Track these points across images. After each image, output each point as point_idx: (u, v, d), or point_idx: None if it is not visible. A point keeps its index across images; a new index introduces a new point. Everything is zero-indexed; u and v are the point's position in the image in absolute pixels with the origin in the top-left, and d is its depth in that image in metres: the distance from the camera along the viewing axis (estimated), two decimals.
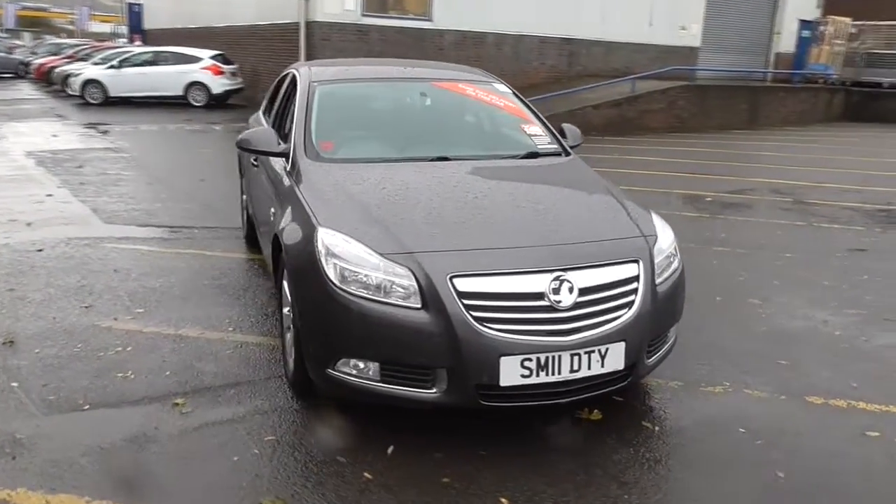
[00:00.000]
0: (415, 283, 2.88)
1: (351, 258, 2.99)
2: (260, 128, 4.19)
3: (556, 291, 2.88)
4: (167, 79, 17.68)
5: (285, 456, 3.01)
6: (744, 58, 22.78)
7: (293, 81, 4.76)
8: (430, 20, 17.24)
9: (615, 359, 2.98)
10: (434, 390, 2.92)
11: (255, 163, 4.72)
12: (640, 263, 3.13)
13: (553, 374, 2.88)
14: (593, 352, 2.92)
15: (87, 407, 3.37)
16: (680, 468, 2.98)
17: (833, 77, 20.57)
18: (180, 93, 17.74)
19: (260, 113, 5.84)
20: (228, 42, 20.34)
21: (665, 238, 3.35)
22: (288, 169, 3.89)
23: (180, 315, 4.50)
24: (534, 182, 3.80)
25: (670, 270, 3.28)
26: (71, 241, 6.07)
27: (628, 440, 3.17)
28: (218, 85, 17.76)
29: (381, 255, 2.96)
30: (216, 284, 5.08)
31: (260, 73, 18.94)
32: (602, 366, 2.96)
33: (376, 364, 2.96)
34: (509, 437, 3.18)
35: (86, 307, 4.59)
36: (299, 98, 4.25)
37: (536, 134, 4.36)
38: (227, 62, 18.25)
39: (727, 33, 22.34)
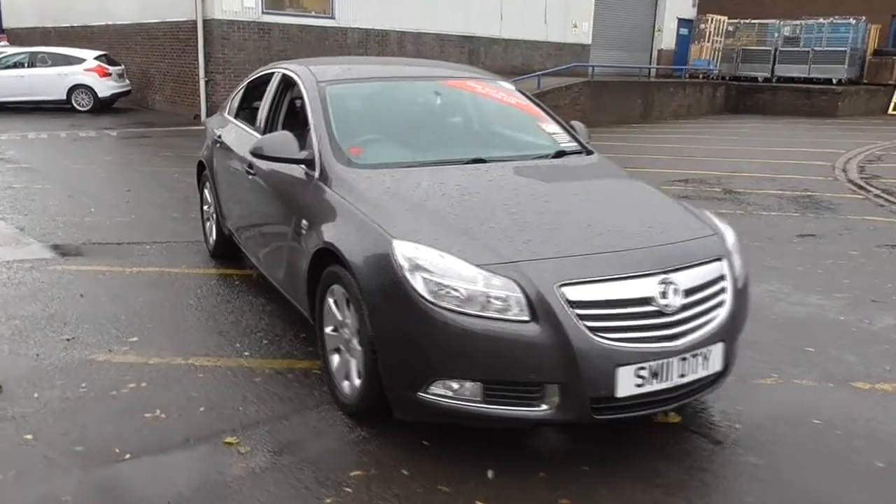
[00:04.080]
0: (521, 295, 2.70)
1: (443, 271, 2.77)
2: (275, 133, 3.82)
3: (664, 295, 2.79)
4: (47, 82, 16.21)
5: (382, 490, 2.74)
6: (630, 54, 23.82)
7: (285, 81, 4.42)
8: (332, 18, 16.81)
9: (715, 360, 2.93)
10: (543, 407, 2.75)
11: (250, 171, 4.33)
12: (725, 261, 3.10)
13: (665, 380, 2.79)
14: (698, 355, 2.85)
15: (127, 456, 2.94)
16: (784, 466, 2.97)
17: (715, 72, 21.87)
18: (62, 97, 16.32)
19: (227, 116, 5.40)
20: (109, 42, 18.96)
21: (730, 235, 3.35)
22: (316, 177, 3.58)
23: (182, 342, 4.06)
24: (586, 182, 3.69)
25: (739, 266, 3.28)
26: (11, 264, 5.38)
27: (719, 441, 3.13)
28: (105, 88, 16.48)
29: (478, 266, 2.76)
30: (204, 305, 4.64)
31: (151, 75, 17.81)
32: (705, 368, 2.90)
33: (478, 384, 2.75)
34: (603, 448, 3.06)
35: (68, 340, 4.05)
36: (310, 100, 3.93)
37: (556, 132, 4.26)
38: (112, 63, 16.97)
39: (614, 31, 23.28)
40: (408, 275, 2.80)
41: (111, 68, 16.74)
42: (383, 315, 2.88)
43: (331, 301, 3.33)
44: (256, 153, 3.74)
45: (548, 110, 4.47)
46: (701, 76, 22.04)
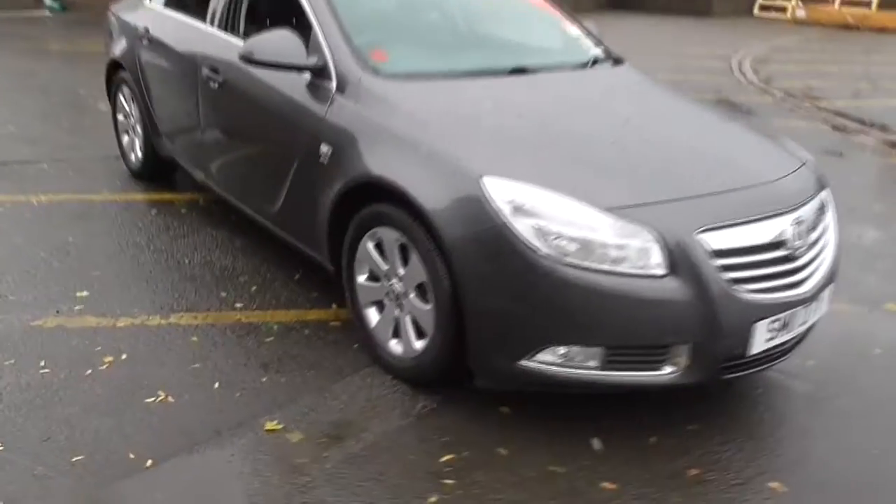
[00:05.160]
0: (656, 245, 2.24)
1: (556, 216, 2.25)
2: (272, 33, 2.98)
3: (795, 236, 2.44)
4: None
5: (489, 478, 2.27)
6: None
7: None
8: None
9: (824, 304, 2.65)
10: (668, 370, 2.35)
11: (213, 77, 3.48)
12: (827, 191, 2.80)
13: (790, 331, 2.48)
14: (815, 300, 2.56)
15: (149, 462, 2.28)
16: (882, 409, 2.80)
17: None
18: None
19: (151, 4, 4.36)
20: None
21: (813, 161, 3.04)
22: (333, 89, 2.87)
23: (149, 295, 3.30)
24: (658, 102, 3.21)
25: None
26: None
27: (803, 382, 2.91)
28: None
29: (604, 209, 2.26)
30: (157, 244, 3.82)
31: None
32: (816, 312, 2.62)
33: (598, 349, 2.32)
34: (691, 401, 2.73)
35: None
36: None
37: (580, 36, 3.71)
38: None
39: None
40: (510, 221, 2.26)
41: None
42: (477, 271, 2.34)
43: (370, 246, 2.73)
44: (247, 58, 2.94)
45: (560, 7, 3.90)
46: None
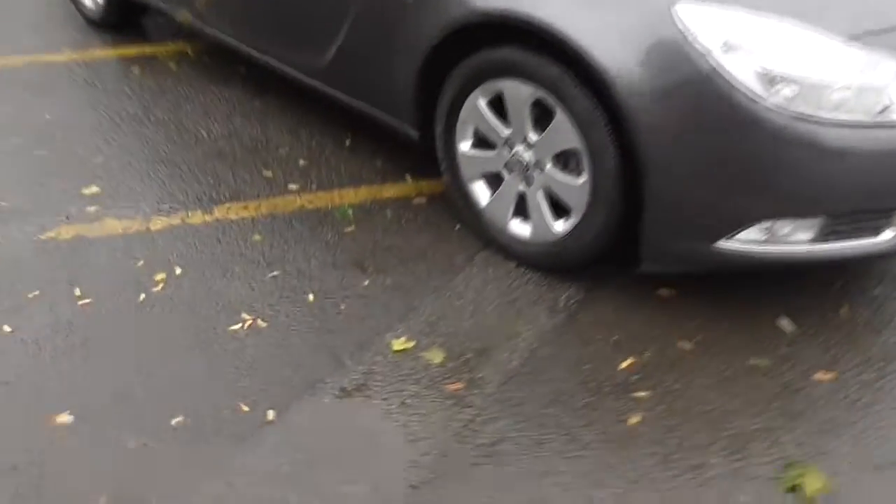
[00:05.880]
0: None
1: (784, 52, 1.68)
2: None
3: None
4: None
5: (683, 385, 1.86)
6: None
7: None
8: None
9: None
10: (890, 235, 1.92)
11: None
12: None
13: None
14: None
15: (270, 415, 1.78)
16: None
17: None
18: None
19: None
20: None
21: None
22: None
23: (176, 184, 2.64)
24: None
25: None
26: None
27: None
28: None
29: (847, 38, 1.69)
30: (158, 115, 3.08)
31: None
32: None
33: (817, 220, 1.85)
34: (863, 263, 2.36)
35: None
36: None
37: None
38: None
39: None
40: (722, 63, 1.68)
41: None
42: (670, 133, 1.77)
43: (482, 103, 2.12)
44: None
45: None
46: None
